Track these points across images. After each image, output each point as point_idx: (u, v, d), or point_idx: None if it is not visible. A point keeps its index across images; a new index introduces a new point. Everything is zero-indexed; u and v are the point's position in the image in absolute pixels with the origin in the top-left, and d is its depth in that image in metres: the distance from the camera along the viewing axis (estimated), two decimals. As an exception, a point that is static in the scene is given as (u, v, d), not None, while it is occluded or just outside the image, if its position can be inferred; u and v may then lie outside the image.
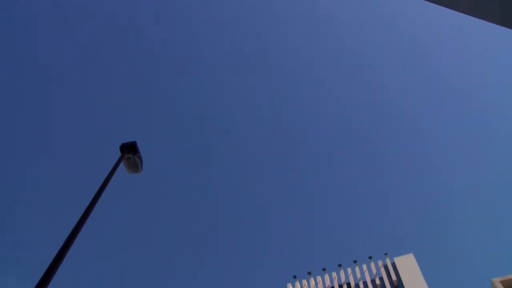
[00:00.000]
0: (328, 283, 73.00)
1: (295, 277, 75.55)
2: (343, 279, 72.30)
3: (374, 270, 71.46)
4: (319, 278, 74.55)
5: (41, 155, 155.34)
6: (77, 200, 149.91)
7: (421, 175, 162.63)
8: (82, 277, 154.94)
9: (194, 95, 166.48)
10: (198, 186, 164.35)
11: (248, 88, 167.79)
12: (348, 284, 71.58)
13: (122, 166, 12.04)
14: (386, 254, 73.64)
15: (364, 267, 73.39)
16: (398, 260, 72.06)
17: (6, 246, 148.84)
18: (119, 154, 11.61)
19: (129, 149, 11.63)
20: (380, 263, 72.82)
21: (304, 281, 74.80)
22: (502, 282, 48.29)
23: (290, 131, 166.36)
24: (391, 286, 68.15)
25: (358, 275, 71.84)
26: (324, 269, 75.15)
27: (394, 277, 68.47)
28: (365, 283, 70.56)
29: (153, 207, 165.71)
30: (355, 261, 74.22)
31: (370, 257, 74.19)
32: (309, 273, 75.49)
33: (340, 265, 74.17)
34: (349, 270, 73.59)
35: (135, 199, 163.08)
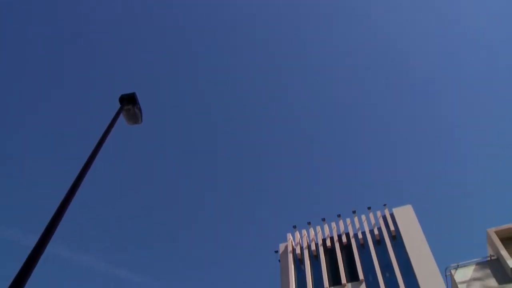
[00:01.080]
0: (327, 233, 74.62)
1: (294, 227, 77.11)
2: (342, 229, 73.87)
3: (372, 221, 72.84)
4: (318, 228, 76.14)
5: (41, 104, 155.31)
6: (79, 152, 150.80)
7: (423, 125, 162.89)
8: (88, 221, 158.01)
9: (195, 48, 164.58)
10: (199, 132, 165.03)
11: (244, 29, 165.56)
12: (347, 234, 73.21)
13: (121, 117, 12.13)
14: (385, 205, 74.87)
15: (363, 217, 74.76)
16: (396, 211, 73.34)
17: (10, 197, 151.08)
18: (118, 106, 11.68)
19: (129, 101, 11.71)
20: (378, 213, 74.12)
21: (304, 231, 76.42)
22: (496, 232, 49.21)
23: (290, 72, 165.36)
24: (389, 236, 69.69)
25: (357, 225, 73.31)
26: (323, 219, 76.62)
27: (392, 228, 69.90)
28: (363, 233, 72.14)
29: (154, 155, 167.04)
30: (354, 212, 75.56)
31: (369, 208, 75.46)
32: (309, 223, 77.00)
33: (339, 216, 75.53)
34: (348, 221, 75.04)
35: (136, 150, 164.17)
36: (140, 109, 11.95)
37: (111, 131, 10.93)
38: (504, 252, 47.23)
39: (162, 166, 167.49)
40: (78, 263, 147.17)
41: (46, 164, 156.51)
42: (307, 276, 68.32)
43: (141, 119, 12.18)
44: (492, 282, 47.04)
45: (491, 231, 50.00)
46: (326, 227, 75.48)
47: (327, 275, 67.27)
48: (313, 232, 75.61)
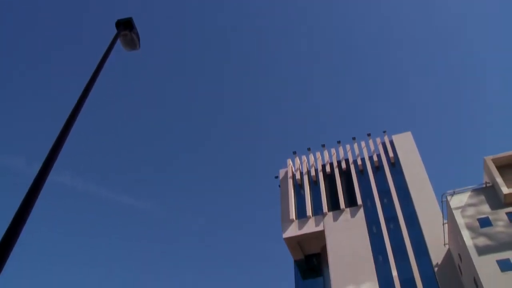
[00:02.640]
0: (327, 159, 75.62)
1: (294, 153, 77.97)
2: (341, 155, 74.77)
3: (372, 147, 73.58)
4: (318, 154, 77.05)
5: (38, 32, 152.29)
6: (79, 79, 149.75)
7: (422, 51, 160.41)
8: (90, 149, 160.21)
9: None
10: (199, 57, 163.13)
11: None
12: (347, 161, 74.22)
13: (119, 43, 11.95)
14: (384, 132, 75.27)
15: (363, 144, 75.46)
16: (396, 138, 73.90)
17: (13, 125, 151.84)
18: (115, 31, 11.46)
19: (125, 26, 11.46)
20: (378, 140, 74.75)
21: (304, 157, 77.43)
22: (493, 160, 49.98)
23: None
24: (388, 162, 70.71)
25: (357, 152, 74.15)
26: (323, 146, 77.34)
27: (391, 154, 70.76)
28: (363, 160, 73.11)
29: (154, 81, 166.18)
30: (354, 138, 76.14)
31: (369, 135, 75.97)
32: (309, 149, 77.82)
33: (339, 142, 76.17)
34: (348, 147, 75.82)
35: (135, 76, 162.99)
36: (137, 35, 11.73)
37: (109, 57, 10.81)
38: (499, 179, 48.15)
39: (162, 92, 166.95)
40: (81, 191, 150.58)
41: (45, 91, 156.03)
42: (306, 201, 70.06)
43: (139, 44, 11.99)
44: (486, 208, 48.35)
45: (488, 159, 50.72)
46: (326, 153, 76.37)
47: (326, 200, 68.98)
48: (313, 158, 76.62)
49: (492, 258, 43.82)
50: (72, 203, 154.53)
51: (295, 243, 67.58)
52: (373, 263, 57.94)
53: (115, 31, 11.44)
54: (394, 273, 56.28)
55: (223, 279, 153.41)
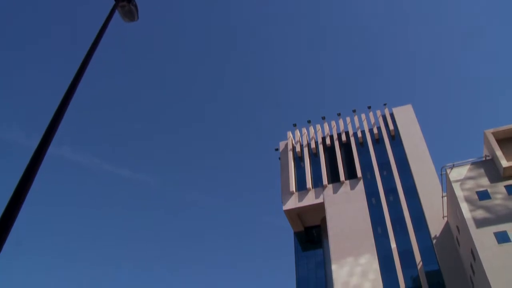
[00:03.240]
0: (327, 131, 75.59)
1: (295, 125, 77.90)
2: (342, 127, 74.73)
3: (372, 120, 73.51)
4: (318, 126, 76.99)
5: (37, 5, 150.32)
6: (77, 51, 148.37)
7: (424, 21, 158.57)
8: (89, 123, 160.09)
9: None
10: (198, 28, 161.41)
11: None
12: (347, 133, 74.18)
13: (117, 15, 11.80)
14: (385, 104, 75.08)
15: (363, 116, 75.31)
16: (396, 111, 73.73)
17: (12, 97, 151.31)
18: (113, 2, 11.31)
19: (124, -4, 11.30)
20: (378, 113, 74.59)
21: (304, 129, 77.38)
22: (493, 133, 49.98)
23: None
24: (388, 135, 70.70)
25: (357, 124, 74.06)
26: (323, 118, 77.20)
27: (391, 127, 70.70)
28: (363, 132, 73.05)
29: (153, 53, 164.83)
30: (354, 111, 75.95)
31: (369, 107, 75.80)
32: (309, 122, 77.72)
33: (339, 114, 76.04)
34: (348, 119, 75.71)
35: (134, 47, 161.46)
36: (136, 6, 11.59)
37: (107, 29, 10.69)
38: (499, 153, 48.25)
39: (161, 65, 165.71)
40: (81, 164, 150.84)
41: (45, 63, 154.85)
42: (306, 173, 70.37)
43: (137, 16, 11.85)
44: (485, 181, 48.60)
45: (488, 132, 50.73)
46: (326, 125, 76.30)
47: (326, 172, 69.25)
48: (313, 130, 76.58)
49: (490, 231, 44.31)
50: (72, 176, 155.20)
51: (295, 215, 68.19)
52: (372, 235, 58.55)
53: (113, 2, 11.29)
54: (393, 245, 56.94)
55: (223, 251, 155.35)
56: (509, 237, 43.13)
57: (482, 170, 49.56)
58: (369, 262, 56.09)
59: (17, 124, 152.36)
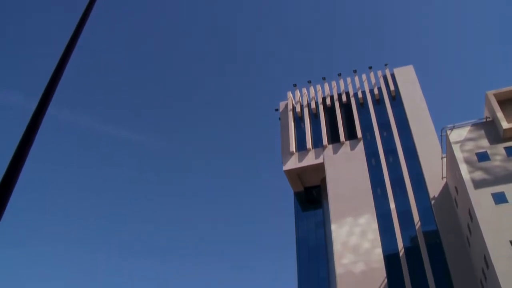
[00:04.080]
0: (327, 91, 75.20)
1: (295, 85, 77.44)
2: (342, 88, 74.34)
3: (373, 80, 73.06)
4: (318, 87, 76.57)
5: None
6: (75, 11, 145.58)
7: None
8: (87, 84, 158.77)
9: None
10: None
11: None
12: (347, 93, 73.84)
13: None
14: (386, 64, 74.43)
15: (364, 77, 74.82)
16: (397, 71, 73.18)
17: (10, 60, 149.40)
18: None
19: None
20: (379, 73, 74.06)
21: (304, 90, 76.95)
22: (495, 95, 49.81)
23: None
24: (388, 96, 70.40)
25: (357, 84, 73.64)
26: (324, 78, 76.68)
27: (392, 88, 70.35)
28: (363, 93, 72.70)
29: (151, 12, 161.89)
30: (354, 71, 75.35)
31: (370, 67, 75.19)
32: (309, 82, 77.25)
33: (339, 75, 75.51)
34: (349, 80, 75.23)
35: (130, 6, 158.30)
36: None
37: None
38: (499, 114, 48.22)
39: (159, 26, 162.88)
40: (80, 125, 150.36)
41: (42, 25, 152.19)
42: (306, 133, 70.48)
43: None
44: (484, 142, 48.79)
45: (490, 93, 50.54)
46: (326, 86, 75.87)
47: (326, 133, 69.33)
48: (313, 90, 76.19)
49: (488, 192, 44.85)
50: (72, 138, 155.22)
51: (295, 175, 68.73)
52: (371, 195, 59.22)
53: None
54: (392, 205, 57.69)
55: (223, 211, 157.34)
56: (506, 198, 43.70)
57: (482, 132, 49.68)
58: (368, 222, 56.99)
59: (16, 87, 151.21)
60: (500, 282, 39.46)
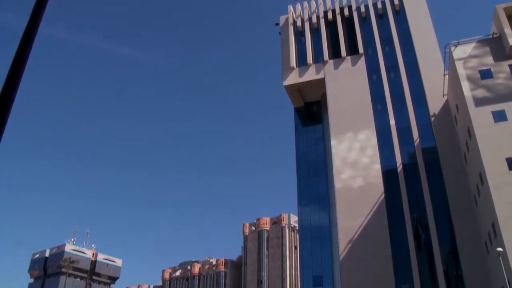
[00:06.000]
0: (329, 5, 72.73)
1: (296, -1, 74.89)
2: (344, 1, 71.84)
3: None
4: (320, 0, 73.99)
5: None
6: None
7: None
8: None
9: None
10: None
11: None
12: (350, 7, 71.20)
13: None
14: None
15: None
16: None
17: None
18: None
19: None
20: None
21: (305, 3, 74.43)
22: (505, 9, 48.44)
23: None
24: (392, 10, 68.04)
25: (361, -3, 71.15)
26: (326, -9, 73.94)
27: (396, 1, 67.91)
28: (366, 7, 70.15)
29: None
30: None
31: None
32: (311, -5, 74.61)
33: (343, -13, 72.74)
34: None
35: None
36: None
37: None
38: (508, 30, 47.29)
39: None
40: (78, 44, 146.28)
41: None
42: (307, 48, 69.32)
43: None
44: (489, 59, 48.29)
45: (500, 7, 49.23)
46: (328, -2, 73.34)
47: (328, 47, 68.17)
48: (314, 4, 73.82)
49: (488, 109, 45.16)
50: (68, 57, 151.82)
51: (295, 90, 68.57)
52: (371, 111, 59.51)
53: None
54: (392, 121, 58.16)
55: (224, 129, 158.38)
56: (506, 116, 44.07)
57: (487, 49, 49.02)
58: (368, 138, 57.81)
59: (4, 5, 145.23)
60: (493, 197, 40.94)
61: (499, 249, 37.72)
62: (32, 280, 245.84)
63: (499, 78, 46.51)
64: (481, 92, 46.50)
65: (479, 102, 45.96)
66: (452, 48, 50.94)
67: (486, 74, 47.47)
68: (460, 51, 50.18)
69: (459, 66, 49.01)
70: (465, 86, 47.29)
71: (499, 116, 44.54)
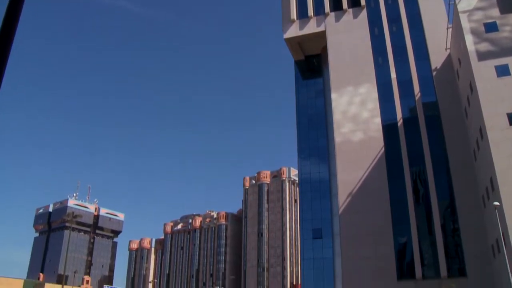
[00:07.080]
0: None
1: None
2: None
3: None
4: None
5: None
6: None
7: None
8: None
9: None
10: None
11: None
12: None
13: None
14: None
15: None
16: None
17: None
18: None
19: None
20: None
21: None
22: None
23: None
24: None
25: None
26: None
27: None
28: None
29: None
30: None
31: None
32: None
33: None
34: None
35: None
36: None
37: None
38: (515, -18, 45.97)
39: None
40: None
41: None
42: (308, 0, 67.52)
43: None
44: (495, 12, 47.13)
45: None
46: None
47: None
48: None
49: (491, 64, 44.44)
50: (67, 9, 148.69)
51: (295, 43, 67.50)
52: (372, 64, 58.73)
53: None
54: (393, 75, 57.41)
55: (224, 85, 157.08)
56: (509, 71, 43.43)
57: (494, 1, 47.75)
58: (368, 92, 57.34)
59: None
60: (492, 151, 40.96)
61: (496, 203, 38.08)
62: (37, 234, 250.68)
63: (504, 31, 45.54)
64: (484, 46, 45.68)
65: (483, 56, 45.21)
66: (457, 0, 49.72)
67: (491, 27, 46.44)
68: (465, 3, 48.95)
69: (463, 19, 47.91)
70: (469, 39, 46.40)
71: (502, 71, 43.89)
